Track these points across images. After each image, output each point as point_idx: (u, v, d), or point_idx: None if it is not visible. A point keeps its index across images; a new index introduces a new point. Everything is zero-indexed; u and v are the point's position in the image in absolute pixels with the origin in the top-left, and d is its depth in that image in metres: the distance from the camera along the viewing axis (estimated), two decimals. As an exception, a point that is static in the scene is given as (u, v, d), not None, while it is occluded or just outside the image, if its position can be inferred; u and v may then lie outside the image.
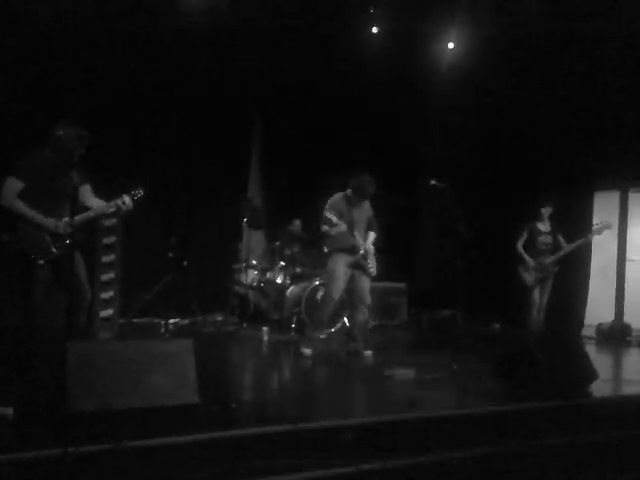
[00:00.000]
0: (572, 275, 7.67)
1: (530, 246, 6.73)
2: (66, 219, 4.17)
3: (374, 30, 7.67)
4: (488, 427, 3.91)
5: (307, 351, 5.77)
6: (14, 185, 4.06)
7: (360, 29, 7.61)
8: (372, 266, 5.81)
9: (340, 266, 5.71)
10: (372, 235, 5.94)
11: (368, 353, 5.84)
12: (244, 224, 7.99)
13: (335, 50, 7.60)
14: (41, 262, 4.13)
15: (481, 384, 4.64)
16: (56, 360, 3.49)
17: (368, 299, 5.87)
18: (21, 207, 4.06)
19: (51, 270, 4.19)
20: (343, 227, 5.60)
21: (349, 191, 5.81)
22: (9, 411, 3.62)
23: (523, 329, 6.68)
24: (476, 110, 8.63)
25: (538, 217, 6.78)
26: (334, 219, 5.53)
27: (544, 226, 6.79)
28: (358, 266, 5.77)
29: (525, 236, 6.75)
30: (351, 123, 8.36)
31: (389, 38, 7.62)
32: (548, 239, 6.73)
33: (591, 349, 6.72)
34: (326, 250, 5.91)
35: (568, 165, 8.03)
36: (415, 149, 9.20)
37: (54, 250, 4.14)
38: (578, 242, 6.72)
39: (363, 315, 5.85)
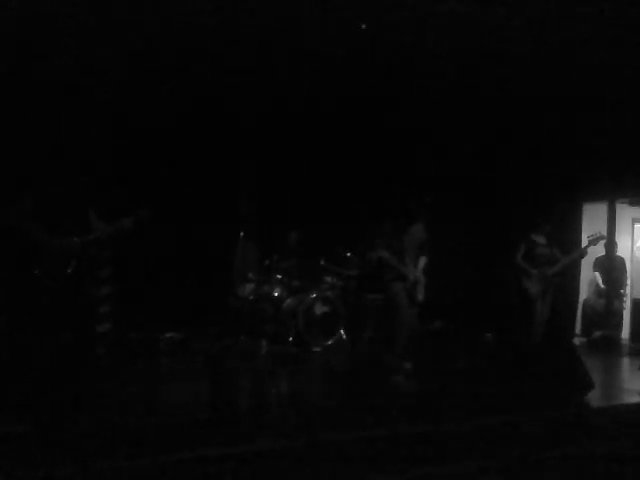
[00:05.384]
0: (563, 286, 7.77)
1: (529, 259, 6.73)
2: (73, 238, 4.27)
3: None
4: (484, 439, 3.97)
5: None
6: (25, 205, 4.15)
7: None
8: (420, 292, 5.86)
9: (399, 292, 5.78)
10: (422, 260, 5.92)
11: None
12: (240, 237, 7.99)
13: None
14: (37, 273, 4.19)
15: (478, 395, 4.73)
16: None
17: (414, 323, 5.91)
18: (30, 227, 4.14)
19: (56, 286, 4.24)
20: (393, 260, 5.72)
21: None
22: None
23: (519, 339, 6.73)
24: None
25: (536, 230, 6.79)
26: (382, 253, 5.68)
27: (541, 238, 6.85)
28: (408, 293, 5.82)
29: (524, 249, 6.80)
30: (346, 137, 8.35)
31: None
32: (546, 251, 6.77)
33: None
34: (385, 278, 5.93)
35: (557, 178, 8.15)
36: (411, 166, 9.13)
37: (59, 268, 4.21)
38: (574, 254, 6.81)
39: (407, 334, 5.86)
